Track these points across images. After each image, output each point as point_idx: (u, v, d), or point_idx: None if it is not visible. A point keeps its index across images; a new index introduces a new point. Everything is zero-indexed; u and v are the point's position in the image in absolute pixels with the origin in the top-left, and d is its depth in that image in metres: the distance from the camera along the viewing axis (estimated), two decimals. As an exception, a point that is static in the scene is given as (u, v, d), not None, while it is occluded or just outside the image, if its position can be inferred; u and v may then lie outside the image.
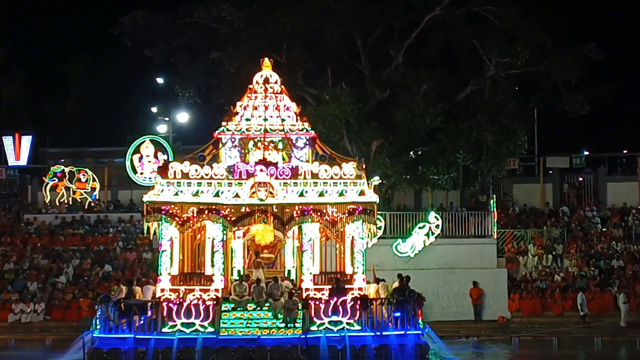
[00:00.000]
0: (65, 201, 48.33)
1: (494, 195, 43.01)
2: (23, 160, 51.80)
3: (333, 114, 41.38)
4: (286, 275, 29.26)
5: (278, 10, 44.33)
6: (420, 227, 38.97)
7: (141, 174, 48.10)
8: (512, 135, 43.70)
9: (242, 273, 29.39)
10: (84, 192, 48.57)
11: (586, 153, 51.37)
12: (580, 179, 48.97)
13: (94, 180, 48.92)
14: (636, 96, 61.54)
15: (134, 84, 63.23)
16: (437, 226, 38.97)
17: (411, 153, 43.83)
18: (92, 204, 48.22)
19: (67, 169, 48.74)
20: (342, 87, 42.65)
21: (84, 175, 48.76)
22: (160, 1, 49.81)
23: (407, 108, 42.31)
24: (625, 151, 53.07)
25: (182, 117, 52.36)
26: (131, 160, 48.01)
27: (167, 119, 52.06)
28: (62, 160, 53.59)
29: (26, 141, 51.94)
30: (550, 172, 48.83)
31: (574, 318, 37.74)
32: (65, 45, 67.85)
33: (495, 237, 40.68)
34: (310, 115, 37.53)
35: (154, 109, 53.37)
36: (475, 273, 39.36)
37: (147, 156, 48.08)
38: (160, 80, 54.17)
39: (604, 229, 43.49)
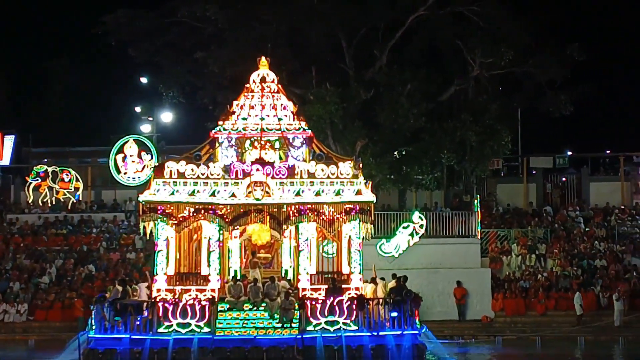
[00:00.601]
0: (49, 201, 48.10)
1: (478, 195, 43.12)
2: (6, 160, 51.54)
3: (317, 114, 41.36)
4: (283, 275, 29.06)
5: (262, 9, 44.28)
6: (404, 227, 38.99)
7: (125, 173, 47.93)
8: (495, 135, 43.84)
9: (239, 273, 29.22)
10: (67, 192, 48.34)
11: (569, 153, 51.63)
12: (564, 179, 49.19)
13: (77, 180, 48.69)
14: (619, 97, 61.95)
15: (117, 83, 62.99)
16: (421, 226, 38.99)
17: (395, 153, 43.87)
18: (76, 204, 48.03)
19: (50, 169, 48.51)
20: (327, 87, 42.66)
21: (67, 175, 48.54)
22: (144, 0, 49.68)
23: (391, 108, 42.35)
24: (608, 151, 53.39)
25: (166, 116, 52.20)
26: (115, 160, 47.82)
27: (150, 118, 51.87)
28: (45, 160, 53.32)
29: (9, 141, 51.69)
30: (534, 172, 49.02)
31: (557, 317, 37.91)
32: (48, 44, 67.54)
33: (479, 237, 40.78)
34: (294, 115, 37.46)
35: (138, 109, 53.15)
36: (459, 273, 39.45)
37: (130, 156, 47.91)
38: (144, 80, 53.99)
39: (587, 229, 43.69)
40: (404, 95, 42.83)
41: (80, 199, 48.55)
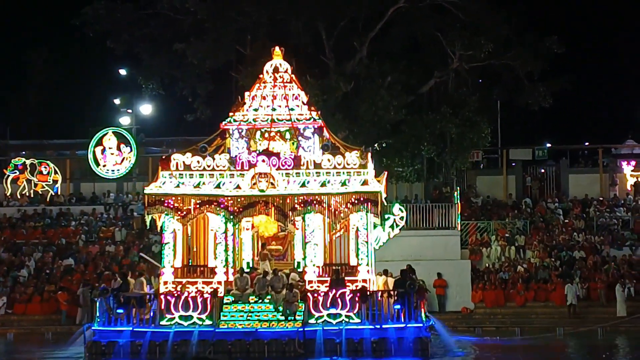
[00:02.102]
0: (27, 194, 47.78)
1: (458, 187, 43.23)
2: (-17, 153, 51.14)
3: (297, 106, 41.25)
4: (296, 267, 28.58)
5: (242, 1, 44.12)
6: (384, 219, 38.97)
7: (104, 166, 47.69)
8: (475, 127, 43.99)
9: (251, 265, 28.90)
10: (46, 184, 48.06)
11: (548, 145, 51.83)
12: (543, 170, 49.40)
13: (55, 172, 48.42)
14: (598, 89, 62.27)
15: (96, 75, 62.54)
16: (401, 218, 38.69)
17: (375, 145, 43.89)
18: (54, 197, 47.73)
19: (28, 161, 48.18)
20: (307, 79, 42.60)
21: (45, 167, 48.24)
22: (123, -9, 49.42)
23: (371, 100, 42.37)
24: (586, 143, 53.66)
25: (146, 108, 51.92)
26: (93, 153, 47.58)
27: (130, 110, 51.58)
28: (23, 152, 52.87)
29: (-14, 133, 51.29)
30: (513, 164, 49.18)
31: (536, 309, 38.10)
32: (26, 36, 66.93)
33: (459, 228, 40.88)
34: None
35: (117, 101, 52.82)
36: (440, 264, 39.51)
37: (109, 148, 47.67)
38: (123, 72, 53.63)
39: (566, 221, 43.91)
40: (384, 88, 42.87)
41: (59, 191, 48.25)
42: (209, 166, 27.38)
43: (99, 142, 47.62)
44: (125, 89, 53.22)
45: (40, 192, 47.85)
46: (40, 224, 45.02)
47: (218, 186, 27.16)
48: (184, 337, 25.86)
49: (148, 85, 48.02)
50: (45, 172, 48.16)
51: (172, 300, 26.23)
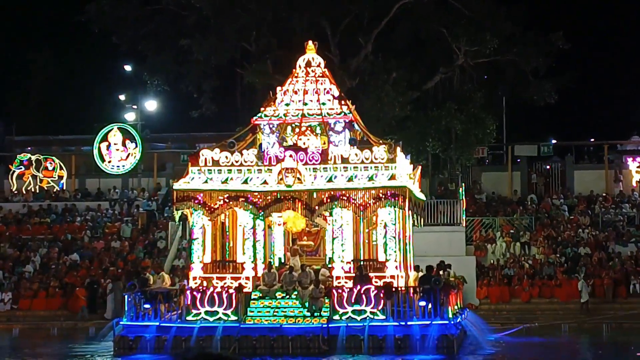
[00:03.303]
0: (32, 189, 47.86)
1: (463, 184, 43.20)
2: (-11, 149, 51.25)
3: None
4: (327, 262, 28.25)
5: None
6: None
7: (109, 162, 47.73)
8: (480, 123, 43.95)
9: (282, 261, 28.71)
10: (51, 180, 48.13)
11: (554, 141, 51.81)
12: (548, 167, 49.33)
13: (61, 168, 48.49)
14: (603, 85, 62.17)
15: (101, 71, 62.65)
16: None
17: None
18: (59, 193, 47.81)
19: (34, 157, 48.28)
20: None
21: (51, 163, 48.33)
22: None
23: (376, 96, 42.33)
24: (592, 139, 53.61)
25: (151, 105, 52.00)
26: (99, 149, 47.61)
27: (135, 106, 51.65)
28: (29, 148, 53.04)
29: (-8, 129, 51.39)
30: (519, 160, 49.13)
31: (541, 305, 38.04)
32: (31, 33, 67.04)
33: (464, 225, 40.83)
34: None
35: (122, 97, 52.89)
36: (444, 260, 39.40)
37: (114, 144, 47.69)
38: (128, 68, 53.74)
39: (571, 217, 43.85)
40: (389, 84, 42.84)
41: (64, 187, 48.32)
42: (237, 161, 27.12)
43: (104, 138, 47.66)
44: (130, 85, 53.35)
45: (45, 188, 47.93)
46: (45, 220, 45.10)
47: (245, 182, 26.90)
48: (209, 333, 25.74)
49: (153, 81, 48.07)
50: (50, 168, 48.25)
51: (198, 296, 26.10)
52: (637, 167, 47.81)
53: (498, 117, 48.04)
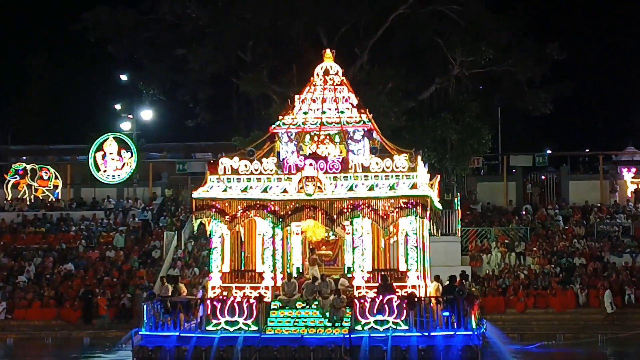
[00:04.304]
0: (27, 199, 47.80)
1: (458, 194, 43.21)
2: (-16, 158, 51.20)
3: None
4: (346, 272, 27.98)
5: (243, 6, 44.19)
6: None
7: (104, 171, 47.71)
8: (476, 133, 44.01)
9: (301, 270, 28.51)
10: (46, 189, 48.10)
11: (549, 152, 51.88)
12: (543, 177, 49.40)
13: (56, 177, 48.46)
14: (598, 96, 62.36)
15: (97, 80, 62.66)
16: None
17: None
18: (55, 202, 47.75)
19: (29, 167, 48.26)
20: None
21: (46, 172, 48.30)
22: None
23: (372, 106, 42.27)
24: (587, 150, 53.70)
25: (146, 114, 51.95)
26: (94, 158, 47.60)
27: (130, 116, 51.62)
28: (24, 157, 52.97)
29: (-13, 138, 51.36)
30: (514, 170, 49.20)
31: (536, 315, 38.02)
32: (27, 41, 67.05)
33: (459, 235, 40.83)
34: (276, 113, 37.37)
35: (118, 106, 52.85)
36: (440, 271, 39.20)
37: (110, 154, 47.69)
38: (124, 77, 53.66)
39: (566, 227, 43.90)
40: (385, 94, 42.87)
41: (59, 196, 48.27)
42: (256, 170, 26.85)
43: (100, 148, 47.65)
44: (126, 94, 53.32)
45: (40, 197, 47.88)
46: (40, 229, 45.03)
47: (265, 190, 26.65)
48: (229, 343, 25.45)
49: (149, 90, 48.07)
50: (45, 178, 48.21)
51: (218, 306, 25.92)
52: (632, 177, 47.91)
53: (493, 127, 48.14)
